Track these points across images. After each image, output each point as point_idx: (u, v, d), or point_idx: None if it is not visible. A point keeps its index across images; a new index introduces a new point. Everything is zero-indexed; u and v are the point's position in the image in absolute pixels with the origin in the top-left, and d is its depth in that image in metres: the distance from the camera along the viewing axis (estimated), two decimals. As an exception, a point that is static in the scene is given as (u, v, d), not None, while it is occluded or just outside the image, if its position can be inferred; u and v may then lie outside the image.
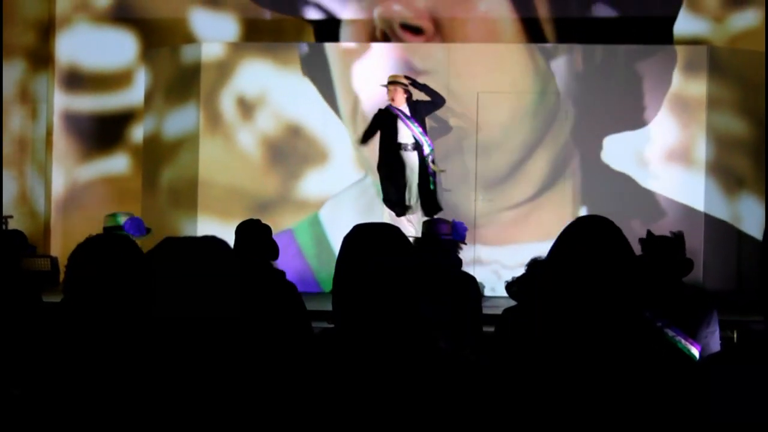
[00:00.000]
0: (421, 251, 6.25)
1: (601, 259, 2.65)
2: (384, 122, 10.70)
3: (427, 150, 10.59)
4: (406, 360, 2.54)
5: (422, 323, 2.60)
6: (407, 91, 10.71)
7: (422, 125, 10.65)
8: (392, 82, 10.71)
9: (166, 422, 2.38)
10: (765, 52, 10.99)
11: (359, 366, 2.54)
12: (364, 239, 2.68)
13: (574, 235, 2.73)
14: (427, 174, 10.62)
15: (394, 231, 2.72)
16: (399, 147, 10.64)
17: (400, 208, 10.63)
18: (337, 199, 11.57)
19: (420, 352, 2.56)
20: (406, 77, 10.85)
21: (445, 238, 6.31)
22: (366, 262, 2.61)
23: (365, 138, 10.86)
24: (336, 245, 11.38)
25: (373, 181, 11.38)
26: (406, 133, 10.61)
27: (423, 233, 6.70)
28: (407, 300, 2.59)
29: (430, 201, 10.61)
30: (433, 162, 10.65)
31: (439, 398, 2.51)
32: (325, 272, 11.31)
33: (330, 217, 11.52)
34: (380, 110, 10.77)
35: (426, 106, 10.75)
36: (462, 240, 6.53)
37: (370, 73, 11.50)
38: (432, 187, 10.62)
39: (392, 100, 10.66)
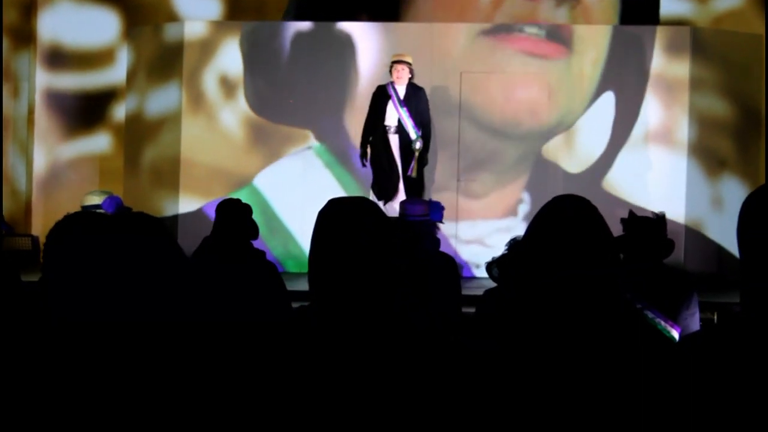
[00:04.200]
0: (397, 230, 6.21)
1: (579, 238, 2.65)
2: (378, 101, 10.49)
3: (413, 135, 10.34)
4: (385, 342, 2.53)
5: (401, 305, 2.59)
6: (411, 72, 10.44)
7: (414, 110, 10.40)
8: (398, 61, 10.44)
9: (146, 405, 2.37)
10: (766, 35, 10.97)
11: (337, 348, 2.52)
12: (340, 214, 2.62)
13: (550, 215, 2.72)
14: (408, 160, 10.39)
15: (371, 205, 2.66)
16: (385, 129, 10.47)
17: (386, 195, 10.31)
18: (277, 166, 11.48)
19: (399, 334, 2.55)
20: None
21: (421, 218, 6.28)
22: (342, 239, 2.56)
23: (368, 121, 10.56)
24: (281, 215, 11.25)
25: (320, 151, 11.35)
26: (393, 115, 10.40)
27: (399, 214, 6.66)
28: (386, 281, 2.58)
29: (411, 189, 10.33)
30: (419, 149, 10.34)
31: (419, 380, 2.50)
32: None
33: (268, 187, 11.40)
34: (378, 87, 10.56)
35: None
36: (439, 220, 6.52)
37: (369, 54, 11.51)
38: (414, 174, 10.34)
39: (397, 79, 10.41)
